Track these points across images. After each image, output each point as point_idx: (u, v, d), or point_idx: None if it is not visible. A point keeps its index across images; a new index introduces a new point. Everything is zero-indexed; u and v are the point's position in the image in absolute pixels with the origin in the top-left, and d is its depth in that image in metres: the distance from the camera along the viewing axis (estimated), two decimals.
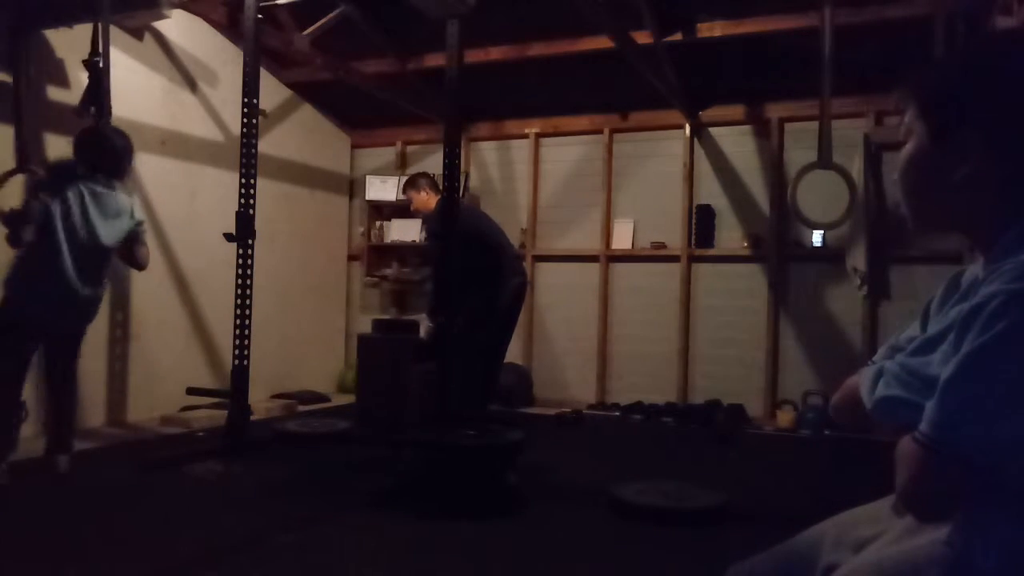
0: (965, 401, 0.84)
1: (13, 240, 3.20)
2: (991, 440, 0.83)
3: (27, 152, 3.97)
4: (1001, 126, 0.94)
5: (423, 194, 4.93)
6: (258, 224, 4.11)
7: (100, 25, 3.86)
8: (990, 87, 0.96)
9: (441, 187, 4.39)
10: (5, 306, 3.26)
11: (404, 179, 5.33)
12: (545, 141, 6.33)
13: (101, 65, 3.80)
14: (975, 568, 0.87)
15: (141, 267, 3.60)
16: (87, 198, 3.25)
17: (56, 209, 3.20)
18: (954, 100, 0.98)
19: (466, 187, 6.32)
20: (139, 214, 3.47)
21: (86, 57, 3.86)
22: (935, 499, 0.89)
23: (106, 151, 3.35)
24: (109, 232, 3.33)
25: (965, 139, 0.95)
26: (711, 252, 5.73)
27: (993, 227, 0.95)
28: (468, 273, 4.31)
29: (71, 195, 3.23)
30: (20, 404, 3.32)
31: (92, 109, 3.70)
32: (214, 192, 5.21)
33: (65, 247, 3.21)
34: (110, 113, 3.74)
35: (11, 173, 3.93)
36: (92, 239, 3.28)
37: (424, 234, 5.17)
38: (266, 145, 5.38)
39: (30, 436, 4.03)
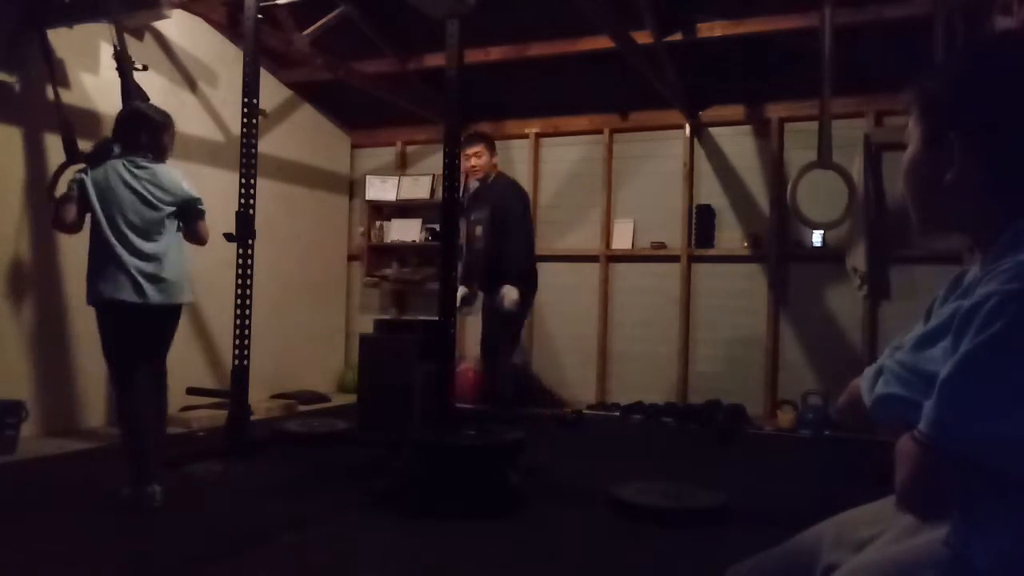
0: (963, 400, 0.84)
1: (56, 222, 3.18)
2: (989, 439, 0.83)
3: (75, 144, 3.93)
4: (985, 131, 0.95)
5: (494, 158, 4.64)
6: (258, 224, 4.11)
7: (114, 25, 3.90)
8: (975, 92, 0.97)
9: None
10: (89, 296, 3.16)
11: (471, 133, 4.85)
12: (545, 141, 6.33)
13: (122, 61, 3.87)
14: (974, 568, 0.87)
15: (201, 242, 3.42)
16: (126, 172, 3.18)
17: (90, 186, 3.14)
18: (942, 104, 1.00)
19: (466, 187, 6.31)
20: (192, 191, 3.33)
21: (112, 55, 3.98)
22: (933, 498, 0.90)
23: (144, 127, 3.30)
24: (155, 202, 3.20)
25: (952, 143, 0.97)
26: (711, 252, 5.73)
27: (988, 228, 0.96)
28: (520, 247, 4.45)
29: (109, 170, 3.17)
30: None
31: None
32: (214, 192, 5.19)
33: (104, 220, 3.12)
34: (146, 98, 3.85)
35: (64, 167, 3.86)
36: (136, 203, 3.16)
37: (473, 204, 4.73)
38: (266, 145, 5.38)
39: (29, 436, 4.05)
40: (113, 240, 3.11)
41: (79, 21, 4.22)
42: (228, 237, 3.99)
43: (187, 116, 5.19)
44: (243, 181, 4.04)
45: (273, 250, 5.65)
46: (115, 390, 3.19)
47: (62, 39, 4.32)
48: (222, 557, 2.56)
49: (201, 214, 3.35)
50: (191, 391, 4.50)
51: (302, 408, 5.60)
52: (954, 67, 1.05)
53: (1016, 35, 1.15)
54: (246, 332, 4.05)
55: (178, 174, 3.35)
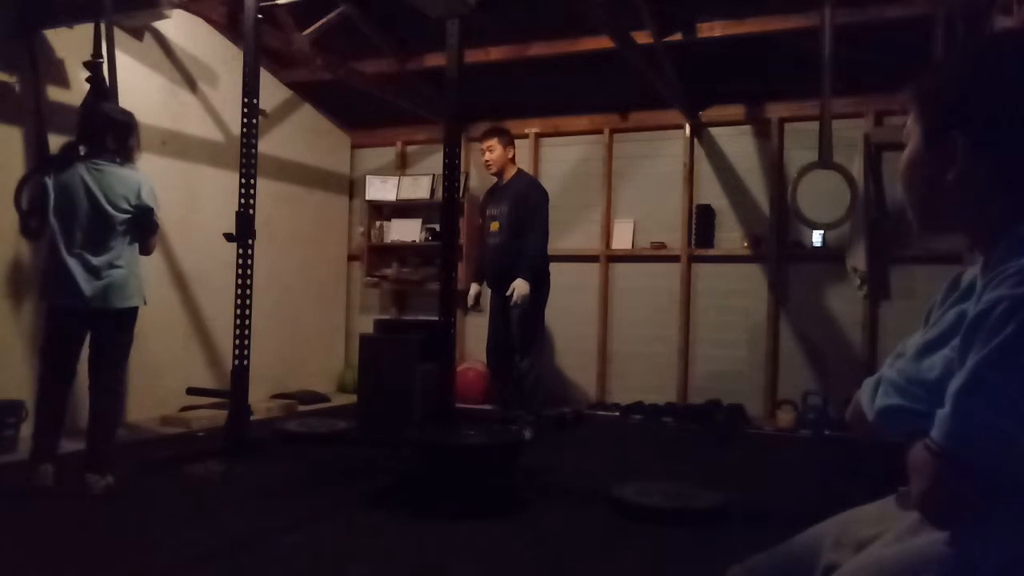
0: (977, 409, 0.84)
1: (24, 229, 3.20)
2: (1006, 445, 0.83)
3: (45, 153, 3.96)
4: (988, 129, 0.94)
5: (510, 152, 4.66)
6: (258, 224, 4.11)
7: (103, 26, 3.88)
8: (977, 90, 0.96)
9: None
10: (42, 299, 3.26)
11: (488, 128, 4.92)
12: (545, 141, 6.33)
13: (104, 65, 3.83)
14: (975, 568, 0.87)
15: (146, 253, 3.46)
16: (87, 173, 3.19)
17: (50, 191, 3.16)
18: (944, 103, 0.99)
19: (466, 187, 6.32)
20: (149, 200, 3.31)
21: (87, 59, 3.89)
22: (951, 507, 0.89)
23: (110, 129, 3.30)
24: (111, 203, 3.21)
25: (953, 142, 0.96)
26: (711, 252, 5.73)
27: (990, 228, 0.96)
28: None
29: (73, 175, 3.19)
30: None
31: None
32: (214, 192, 5.21)
33: (59, 228, 3.16)
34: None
35: (30, 175, 3.86)
36: (93, 210, 3.18)
37: (489, 200, 4.79)
38: (266, 145, 5.39)
39: (29, 436, 4.04)
40: (64, 250, 3.15)
41: (77, 21, 4.22)
42: (228, 237, 3.99)
43: (187, 116, 5.20)
44: (243, 181, 4.04)
45: (273, 250, 5.65)
46: (41, 378, 3.28)
47: (62, 39, 4.32)
48: (222, 557, 2.56)
49: (153, 226, 3.37)
50: (191, 391, 4.49)
51: (302, 408, 5.60)
52: (956, 65, 1.04)
53: (1018, 33, 1.14)
54: (246, 332, 4.05)
55: (141, 180, 3.33)
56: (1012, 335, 0.82)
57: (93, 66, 4.06)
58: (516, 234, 4.51)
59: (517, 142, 6.31)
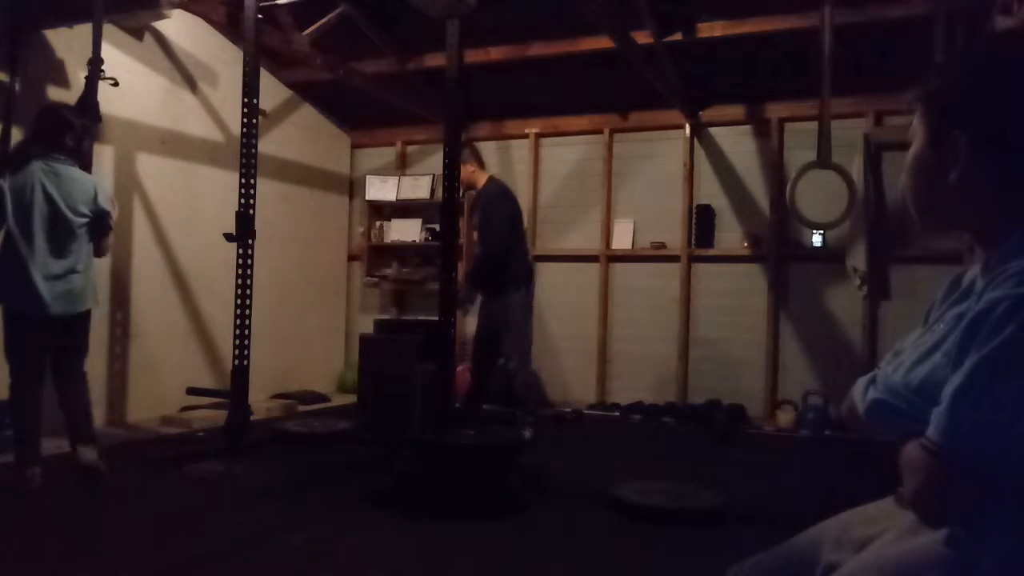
0: (976, 407, 0.84)
1: None
2: (1003, 444, 0.83)
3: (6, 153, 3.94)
4: (990, 129, 0.94)
5: (470, 167, 4.60)
6: (258, 224, 4.10)
7: (93, 25, 3.88)
8: (981, 91, 0.96)
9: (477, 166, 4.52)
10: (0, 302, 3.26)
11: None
12: (545, 141, 6.33)
13: (93, 67, 3.84)
14: (975, 568, 0.87)
15: (101, 256, 3.52)
16: (44, 176, 3.21)
17: (7, 193, 3.18)
18: (947, 103, 0.99)
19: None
20: (105, 203, 3.37)
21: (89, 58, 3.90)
22: (947, 505, 0.89)
23: (68, 129, 3.31)
24: (70, 207, 3.25)
25: (956, 141, 0.96)
26: (711, 252, 5.73)
27: (993, 229, 0.96)
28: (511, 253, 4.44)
29: (29, 176, 3.20)
30: (35, 406, 3.28)
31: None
32: (214, 192, 5.21)
33: (15, 225, 3.17)
34: (98, 116, 3.87)
35: None
36: (53, 214, 3.22)
37: (471, 212, 4.89)
38: (266, 145, 5.38)
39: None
40: (23, 254, 3.17)
41: (77, 21, 4.21)
42: (228, 237, 3.99)
43: (187, 116, 5.20)
44: (243, 181, 4.04)
45: (273, 250, 5.65)
46: (14, 385, 3.29)
47: (62, 39, 4.32)
48: (222, 557, 2.56)
49: (108, 229, 3.42)
50: (191, 391, 4.49)
51: (302, 408, 5.60)
52: (960, 66, 1.04)
53: (1020, 33, 1.13)
54: (246, 332, 4.04)
55: (96, 183, 3.39)
56: (1011, 336, 0.82)
57: (92, 67, 4.06)
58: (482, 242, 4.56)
59: (517, 142, 6.38)
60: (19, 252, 3.18)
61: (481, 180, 4.62)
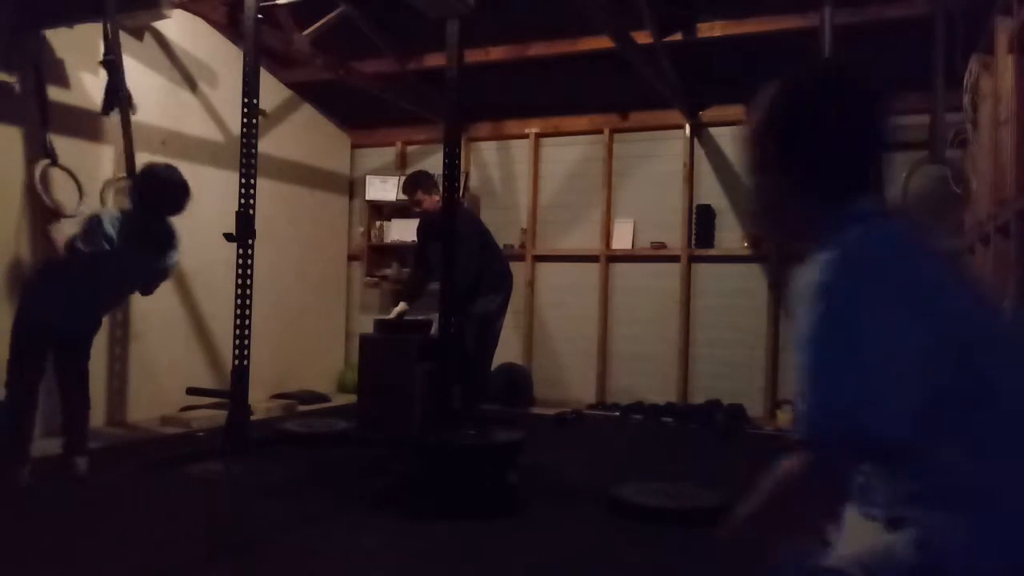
0: (816, 394, 0.91)
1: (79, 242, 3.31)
2: (854, 421, 0.93)
3: (132, 161, 4.13)
4: (788, 140, 1.15)
5: (435, 197, 4.82)
6: (258, 224, 4.10)
7: (109, 25, 3.91)
8: (778, 109, 1.20)
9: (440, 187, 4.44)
10: (26, 310, 3.34)
11: (404, 178, 5.23)
12: (545, 141, 6.33)
13: (115, 62, 3.90)
14: (975, 568, 0.87)
15: (146, 295, 3.74)
16: (145, 247, 3.41)
17: (106, 222, 3.31)
18: (762, 129, 1.24)
19: (466, 187, 6.32)
20: (173, 264, 3.62)
21: (101, 58, 4.00)
22: (823, 494, 0.92)
23: (164, 191, 3.49)
24: (144, 283, 3.55)
25: (766, 149, 1.21)
26: (711, 252, 5.73)
27: (812, 227, 1.14)
28: (482, 271, 4.57)
29: (125, 226, 3.36)
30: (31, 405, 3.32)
31: (115, 107, 3.99)
32: (214, 192, 5.20)
33: (91, 271, 3.31)
34: (132, 104, 4.06)
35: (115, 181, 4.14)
36: (125, 285, 3.53)
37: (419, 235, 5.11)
38: (266, 145, 5.38)
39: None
40: (79, 296, 3.32)
41: (78, 21, 4.21)
42: (228, 237, 4.00)
43: (187, 116, 5.19)
44: (243, 181, 4.04)
45: (273, 250, 5.64)
46: (14, 385, 3.32)
47: (62, 39, 4.31)
48: (222, 557, 2.56)
49: (165, 279, 3.70)
50: (191, 391, 4.49)
51: (302, 408, 5.60)
52: (768, 95, 1.24)
53: (813, 69, 1.31)
54: (246, 332, 4.04)
55: (177, 246, 3.59)
56: (819, 322, 0.91)
57: (107, 64, 4.09)
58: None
59: (517, 142, 6.38)
60: (75, 291, 3.31)
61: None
